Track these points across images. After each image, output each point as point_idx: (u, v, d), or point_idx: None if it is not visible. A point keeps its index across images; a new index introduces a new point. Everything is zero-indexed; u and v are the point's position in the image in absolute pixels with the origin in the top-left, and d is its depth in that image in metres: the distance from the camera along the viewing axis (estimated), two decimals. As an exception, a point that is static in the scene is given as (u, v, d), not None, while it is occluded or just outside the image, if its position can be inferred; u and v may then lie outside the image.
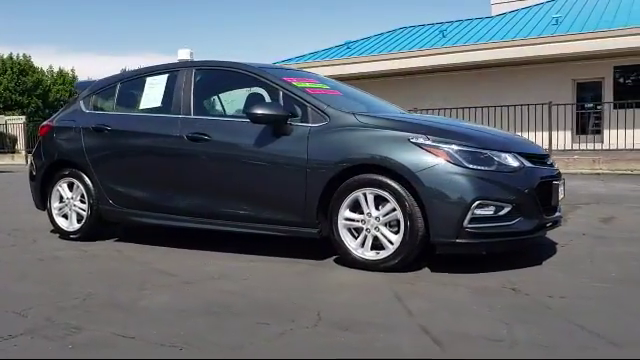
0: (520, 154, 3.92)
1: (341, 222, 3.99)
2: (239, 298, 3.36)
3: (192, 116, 4.65)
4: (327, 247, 4.33)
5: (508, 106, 14.64)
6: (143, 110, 5.00)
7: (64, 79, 33.11)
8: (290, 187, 4.15)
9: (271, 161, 4.22)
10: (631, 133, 14.88)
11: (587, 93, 18.84)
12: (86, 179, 5.11)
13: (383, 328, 2.81)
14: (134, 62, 77.38)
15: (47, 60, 77.47)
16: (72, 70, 34.85)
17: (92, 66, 64.79)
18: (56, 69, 36.84)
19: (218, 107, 5.00)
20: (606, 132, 16.25)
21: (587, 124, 18.23)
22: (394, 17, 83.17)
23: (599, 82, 18.47)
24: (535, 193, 3.86)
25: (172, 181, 4.64)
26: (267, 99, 4.88)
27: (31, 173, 5.58)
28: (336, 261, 4.25)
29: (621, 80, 18.31)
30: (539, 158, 4.11)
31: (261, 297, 3.39)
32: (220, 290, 3.55)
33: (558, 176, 4.18)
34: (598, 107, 17.95)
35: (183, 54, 50.13)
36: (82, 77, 36.10)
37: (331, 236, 4.05)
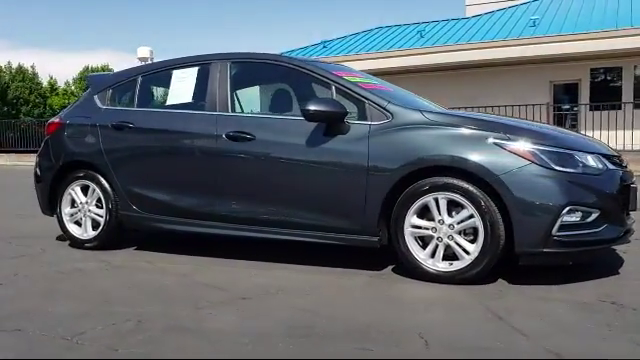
0: (602, 155, 3.65)
1: (407, 230, 3.65)
2: (316, 317, 2.98)
3: (231, 113, 4.23)
4: (372, 255, 3.99)
5: (505, 106, 14.59)
6: (170, 106, 4.55)
7: (24, 76, 31.72)
8: (348, 191, 3.78)
9: (325, 163, 3.84)
10: (606, 134, 14.97)
11: (564, 95, 18.98)
12: (104, 182, 4.63)
13: (507, 353, 2.48)
14: (93, 60, 75.44)
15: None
16: (32, 67, 33.50)
17: (50, 63, 62.68)
18: (14, 65, 35.24)
19: (259, 103, 4.58)
20: (582, 133, 16.34)
21: (564, 125, 18.33)
22: (363, 17, 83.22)
23: (575, 84, 18.62)
24: (619, 197, 3.59)
25: (208, 184, 4.21)
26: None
27: (37, 175, 5.05)
28: (395, 271, 3.91)
29: (597, 82, 18.50)
30: (616, 159, 3.84)
31: (341, 315, 3.01)
32: (288, 307, 3.16)
33: (633, 178, 3.92)
34: (575, 108, 18.10)
35: (143, 52, 49.12)
36: (43, 74, 34.79)
37: (395, 245, 3.70)
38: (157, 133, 4.43)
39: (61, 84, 33.61)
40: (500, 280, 3.62)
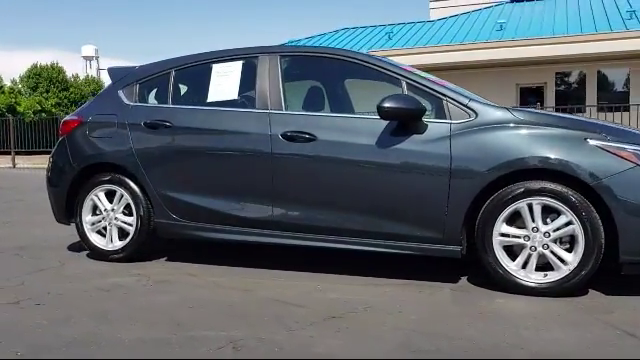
0: None
1: (497, 239, 3.36)
2: (432, 338, 2.67)
3: (286, 111, 3.86)
4: (425, 264, 3.71)
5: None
6: (212, 103, 4.13)
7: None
8: (426, 196, 3.48)
9: (400, 165, 3.52)
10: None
11: (530, 98, 19.23)
12: (134, 186, 4.16)
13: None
14: (40, 57, 72.56)
15: None
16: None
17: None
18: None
19: (318, 101, 4.21)
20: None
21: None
22: (329, 18, 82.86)
23: (541, 87, 18.90)
24: None
25: (261, 189, 3.82)
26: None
27: (50, 179, 4.52)
28: (471, 282, 3.64)
29: (562, 85, 18.85)
30: None
31: (458, 336, 2.70)
32: (390, 327, 2.83)
33: None
34: (541, 111, 18.35)
35: (87, 50, 47.43)
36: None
37: (481, 255, 3.41)
38: (200, 133, 4.01)
39: (7, 82, 32.02)
40: (591, 291, 3.38)
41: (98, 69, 43.26)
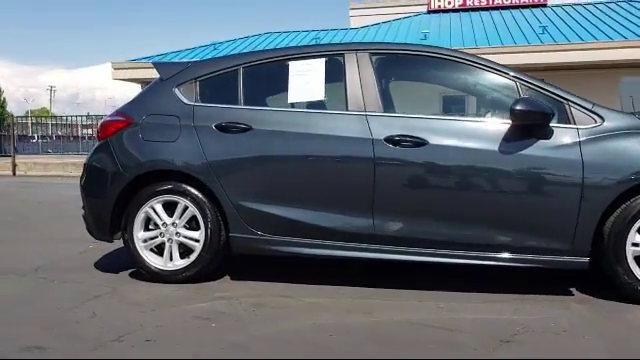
0: None
1: (629, 249, 3.24)
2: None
3: (388, 113, 3.53)
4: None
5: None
6: (295, 104, 3.71)
7: None
8: (556, 205, 3.30)
9: (526, 172, 3.33)
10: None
11: (452, 106, 19.77)
12: (201, 197, 3.64)
13: None
14: None
15: None
16: None
17: None
18: None
19: (420, 103, 3.90)
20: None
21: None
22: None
23: (462, 97, 19.48)
24: None
25: (361, 198, 3.46)
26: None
27: (88, 189, 3.88)
28: (583, 292, 3.51)
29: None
30: None
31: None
32: (581, 350, 2.63)
33: None
34: (462, 119, 18.91)
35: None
36: None
37: (613, 266, 3.27)
38: (286, 137, 3.56)
39: None
40: None
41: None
